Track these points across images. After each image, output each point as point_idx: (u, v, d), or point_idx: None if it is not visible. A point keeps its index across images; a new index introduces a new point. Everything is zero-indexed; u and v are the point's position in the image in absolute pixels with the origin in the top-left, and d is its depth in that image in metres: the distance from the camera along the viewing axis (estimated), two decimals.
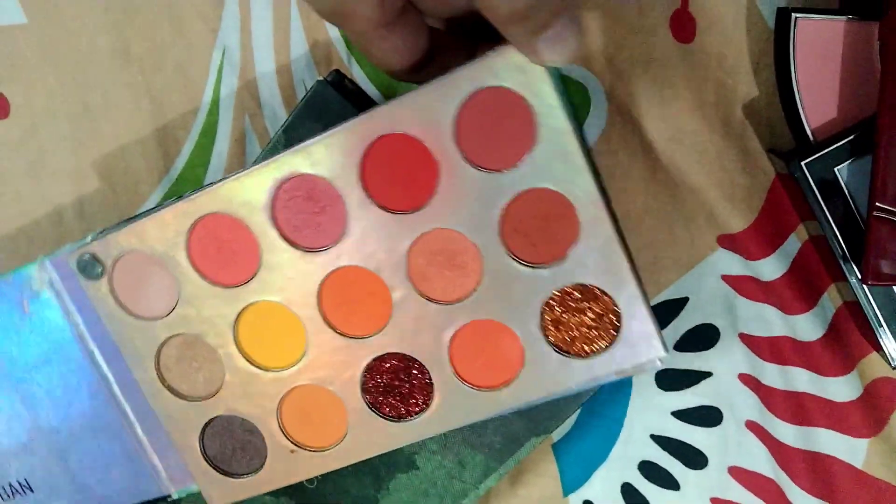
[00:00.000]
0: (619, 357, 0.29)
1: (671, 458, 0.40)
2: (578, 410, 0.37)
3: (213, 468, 0.35)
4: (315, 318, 0.32)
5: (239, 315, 0.32)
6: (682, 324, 0.38)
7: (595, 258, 0.28)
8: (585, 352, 0.29)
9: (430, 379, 0.31)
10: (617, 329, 0.29)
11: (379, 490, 0.39)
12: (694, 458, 0.40)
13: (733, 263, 0.37)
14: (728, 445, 0.39)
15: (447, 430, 0.32)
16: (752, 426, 0.39)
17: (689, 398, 0.39)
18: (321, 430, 0.34)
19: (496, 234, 0.29)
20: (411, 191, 0.29)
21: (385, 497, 0.39)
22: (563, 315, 0.29)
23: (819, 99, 0.32)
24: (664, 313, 0.38)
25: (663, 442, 0.40)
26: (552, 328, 0.30)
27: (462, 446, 0.38)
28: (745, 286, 0.37)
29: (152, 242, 0.32)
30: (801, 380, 0.38)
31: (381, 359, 0.32)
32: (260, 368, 0.33)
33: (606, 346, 0.29)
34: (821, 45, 0.32)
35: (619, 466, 0.40)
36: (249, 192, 0.30)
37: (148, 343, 0.34)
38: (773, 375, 0.38)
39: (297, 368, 0.32)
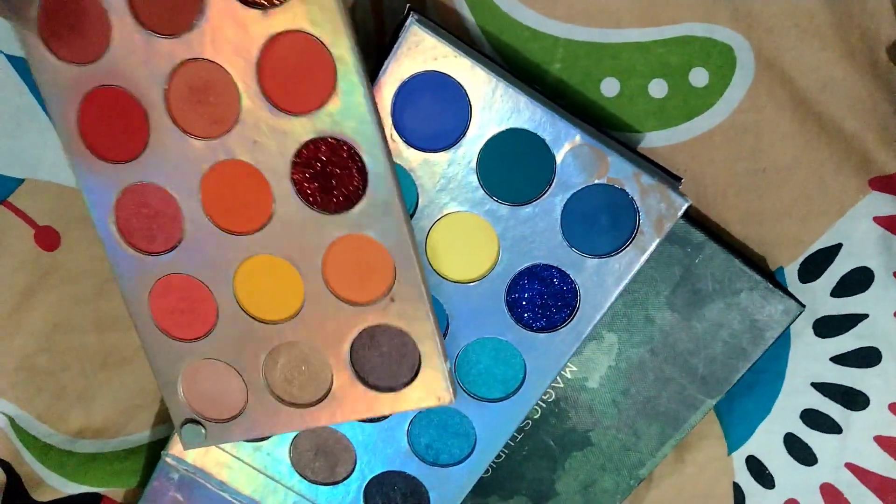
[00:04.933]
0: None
1: (832, 402, 0.43)
2: None
3: None
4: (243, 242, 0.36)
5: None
6: (837, 269, 0.41)
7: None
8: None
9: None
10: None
11: (555, 471, 0.42)
12: (855, 400, 0.43)
13: (886, 204, 0.40)
14: (889, 383, 0.43)
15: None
16: None
17: (847, 342, 0.42)
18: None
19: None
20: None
21: (561, 477, 0.42)
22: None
23: None
24: (818, 262, 0.41)
25: (824, 388, 0.43)
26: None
27: (637, 418, 0.41)
28: None
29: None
30: None
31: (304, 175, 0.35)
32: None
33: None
34: None
35: (782, 418, 0.44)
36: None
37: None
38: None
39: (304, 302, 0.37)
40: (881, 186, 0.40)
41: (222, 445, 0.41)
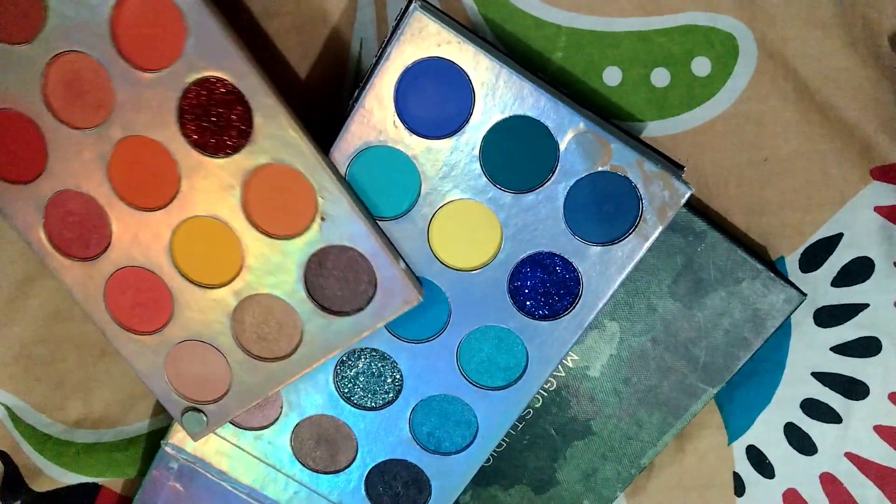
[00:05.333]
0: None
1: (832, 392, 0.44)
2: None
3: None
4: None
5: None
6: (838, 259, 0.42)
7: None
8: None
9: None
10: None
11: (556, 460, 0.42)
12: (855, 390, 0.43)
13: (887, 194, 0.40)
14: (889, 373, 0.43)
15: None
16: None
17: (847, 331, 0.43)
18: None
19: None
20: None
21: (563, 466, 0.42)
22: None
23: None
24: (819, 252, 0.41)
25: (824, 378, 0.43)
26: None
27: (638, 406, 0.41)
28: None
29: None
30: None
31: None
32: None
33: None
34: None
35: (782, 408, 0.44)
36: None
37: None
38: None
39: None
40: (882, 176, 0.40)
41: (223, 434, 0.41)
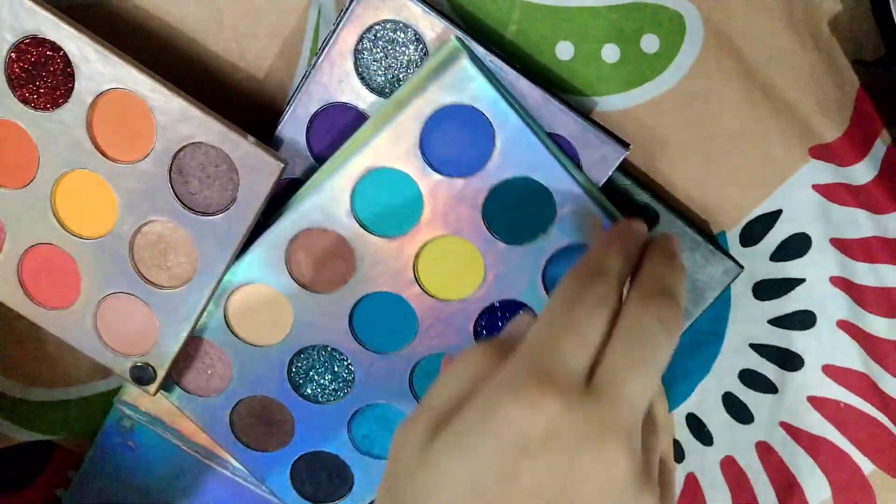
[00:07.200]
0: None
1: (769, 363, 0.46)
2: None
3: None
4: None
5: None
6: (777, 235, 0.44)
7: None
8: None
9: None
10: None
11: None
12: (791, 362, 0.46)
13: (824, 172, 0.42)
14: (823, 345, 0.45)
15: None
16: (844, 325, 0.45)
17: (784, 305, 0.45)
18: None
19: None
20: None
21: None
22: None
23: None
24: (759, 227, 0.43)
25: (761, 349, 0.46)
26: None
27: None
28: (836, 193, 0.43)
29: None
30: (891, 276, 0.44)
31: None
32: None
33: None
34: None
35: (721, 378, 0.46)
36: None
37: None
38: (865, 274, 0.44)
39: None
40: (820, 155, 0.42)
41: (168, 396, 0.42)
